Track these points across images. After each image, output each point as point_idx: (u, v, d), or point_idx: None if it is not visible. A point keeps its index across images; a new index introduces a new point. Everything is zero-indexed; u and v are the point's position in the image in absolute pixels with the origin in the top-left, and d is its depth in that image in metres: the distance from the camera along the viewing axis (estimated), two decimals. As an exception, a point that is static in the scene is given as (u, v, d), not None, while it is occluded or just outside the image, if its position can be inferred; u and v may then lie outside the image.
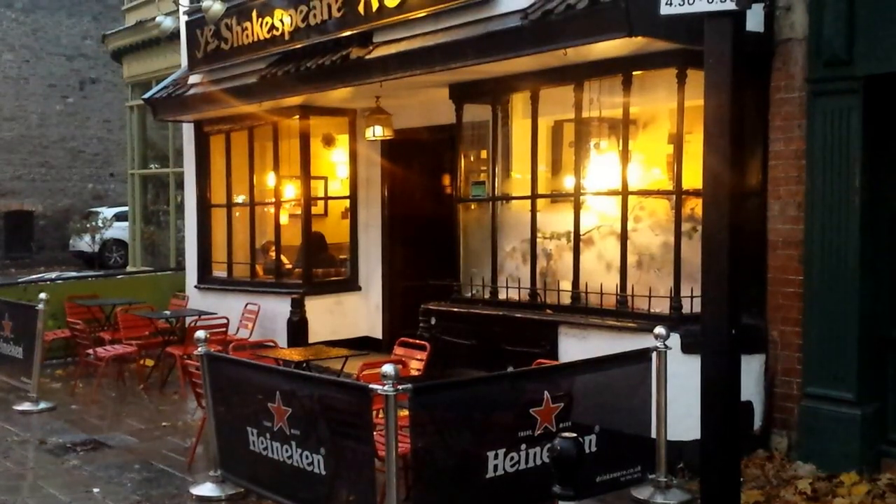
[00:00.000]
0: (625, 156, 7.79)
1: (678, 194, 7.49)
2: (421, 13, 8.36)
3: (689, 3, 5.07)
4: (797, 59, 7.16)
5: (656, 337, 6.29)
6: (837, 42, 6.71)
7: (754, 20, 6.91)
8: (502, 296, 8.76)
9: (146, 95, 13.60)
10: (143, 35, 18.19)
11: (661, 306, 7.50)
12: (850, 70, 6.72)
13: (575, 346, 7.68)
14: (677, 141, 7.51)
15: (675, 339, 6.72)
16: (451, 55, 8.09)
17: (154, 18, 14.51)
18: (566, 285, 8.23)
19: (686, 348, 6.84)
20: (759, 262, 7.39)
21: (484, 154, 9.48)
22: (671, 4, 5.13)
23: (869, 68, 6.64)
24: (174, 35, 12.87)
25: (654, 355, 6.27)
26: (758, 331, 7.35)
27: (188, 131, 13.24)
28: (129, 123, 20.43)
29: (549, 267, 8.58)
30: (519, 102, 8.97)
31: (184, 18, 11.96)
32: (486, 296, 8.91)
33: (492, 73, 8.53)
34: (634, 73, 7.66)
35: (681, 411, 6.31)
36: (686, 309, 7.30)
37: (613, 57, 7.55)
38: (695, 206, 7.37)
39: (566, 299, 8.16)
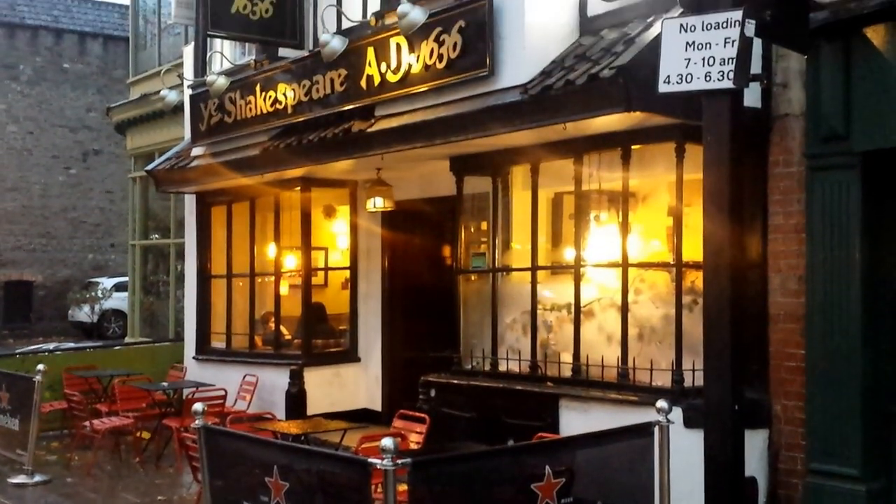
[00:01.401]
0: (624, 228, 7.82)
1: (678, 267, 7.49)
2: (422, 87, 8.47)
3: (686, 82, 5.14)
4: (795, 135, 7.22)
5: (658, 411, 6.20)
6: (835, 118, 6.76)
7: (752, 96, 6.98)
8: (503, 368, 8.71)
9: (149, 167, 13.74)
10: (147, 108, 18.40)
11: (663, 379, 7.45)
12: (848, 145, 6.74)
13: (576, 420, 7.61)
14: (677, 214, 7.55)
15: (677, 413, 6.63)
16: (452, 129, 8.18)
17: (158, 92, 14.67)
18: (567, 357, 8.19)
19: (688, 422, 6.77)
20: (761, 336, 7.34)
21: (484, 225, 9.52)
22: (669, 82, 5.21)
23: (867, 144, 6.67)
24: (178, 108, 13.02)
25: (656, 429, 6.19)
26: (760, 405, 7.27)
27: (190, 202, 13.32)
28: (132, 194, 20.53)
29: (550, 339, 8.55)
30: (519, 175, 9.03)
31: (188, 92, 12.13)
32: (487, 368, 8.86)
33: (492, 146, 8.61)
34: (633, 146, 7.74)
35: (684, 487, 6.21)
36: (688, 382, 7.26)
37: (612, 131, 7.63)
38: (695, 278, 7.37)
39: (567, 372, 8.11)
